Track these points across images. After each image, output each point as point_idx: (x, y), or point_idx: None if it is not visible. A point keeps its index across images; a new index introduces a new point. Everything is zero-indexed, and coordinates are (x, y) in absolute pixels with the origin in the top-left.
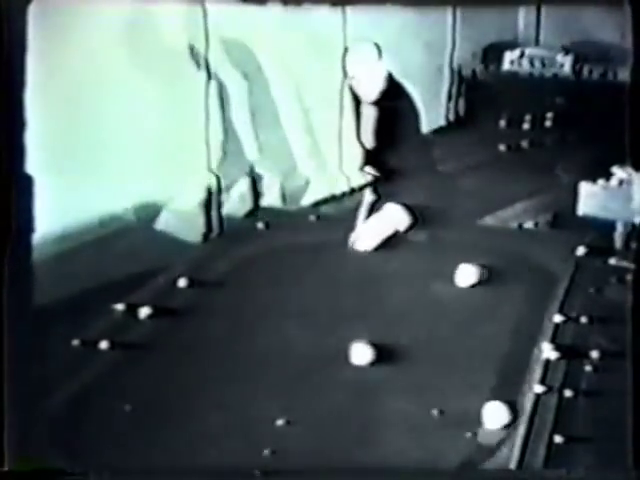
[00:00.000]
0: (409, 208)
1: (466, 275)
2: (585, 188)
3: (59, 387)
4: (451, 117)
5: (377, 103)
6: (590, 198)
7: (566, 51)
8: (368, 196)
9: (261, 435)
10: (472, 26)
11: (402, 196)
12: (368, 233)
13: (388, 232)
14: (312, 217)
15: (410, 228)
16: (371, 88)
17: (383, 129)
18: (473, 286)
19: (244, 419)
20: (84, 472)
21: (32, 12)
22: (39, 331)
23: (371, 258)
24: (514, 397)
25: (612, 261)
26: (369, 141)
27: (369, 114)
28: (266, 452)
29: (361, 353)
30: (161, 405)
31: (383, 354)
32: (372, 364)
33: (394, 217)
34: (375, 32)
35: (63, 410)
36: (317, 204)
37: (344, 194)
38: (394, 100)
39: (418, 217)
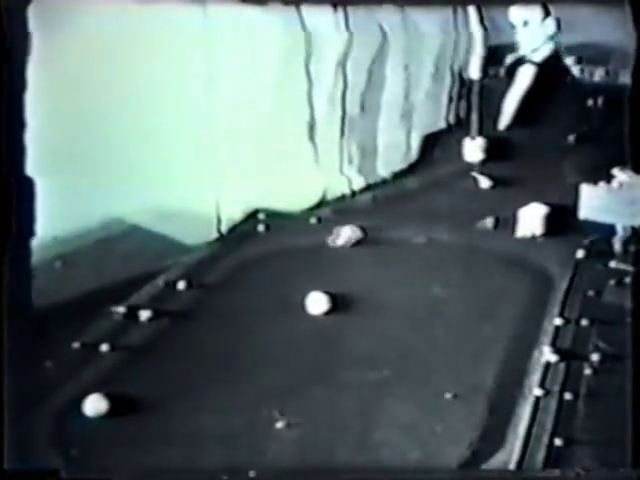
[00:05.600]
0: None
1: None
2: (586, 191)
3: (59, 389)
4: (451, 119)
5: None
6: (591, 201)
7: (567, 53)
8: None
9: (261, 436)
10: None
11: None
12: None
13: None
14: (313, 219)
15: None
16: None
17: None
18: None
19: (244, 421)
20: (83, 473)
21: (32, 12)
22: (39, 333)
23: (371, 261)
24: (514, 400)
25: (612, 264)
26: (513, 104)
27: (526, 74)
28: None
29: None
30: (161, 406)
31: (386, 355)
32: (373, 364)
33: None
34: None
35: (63, 411)
36: (318, 206)
37: (345, 196)
38: None
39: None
